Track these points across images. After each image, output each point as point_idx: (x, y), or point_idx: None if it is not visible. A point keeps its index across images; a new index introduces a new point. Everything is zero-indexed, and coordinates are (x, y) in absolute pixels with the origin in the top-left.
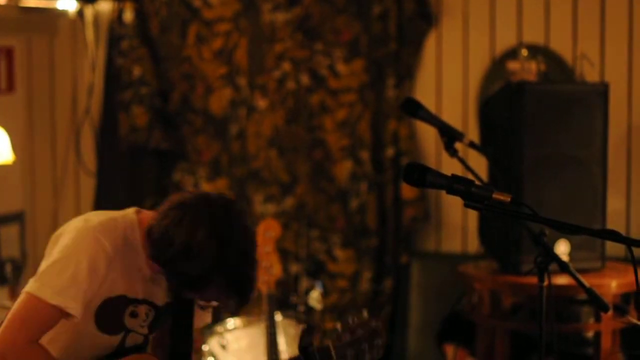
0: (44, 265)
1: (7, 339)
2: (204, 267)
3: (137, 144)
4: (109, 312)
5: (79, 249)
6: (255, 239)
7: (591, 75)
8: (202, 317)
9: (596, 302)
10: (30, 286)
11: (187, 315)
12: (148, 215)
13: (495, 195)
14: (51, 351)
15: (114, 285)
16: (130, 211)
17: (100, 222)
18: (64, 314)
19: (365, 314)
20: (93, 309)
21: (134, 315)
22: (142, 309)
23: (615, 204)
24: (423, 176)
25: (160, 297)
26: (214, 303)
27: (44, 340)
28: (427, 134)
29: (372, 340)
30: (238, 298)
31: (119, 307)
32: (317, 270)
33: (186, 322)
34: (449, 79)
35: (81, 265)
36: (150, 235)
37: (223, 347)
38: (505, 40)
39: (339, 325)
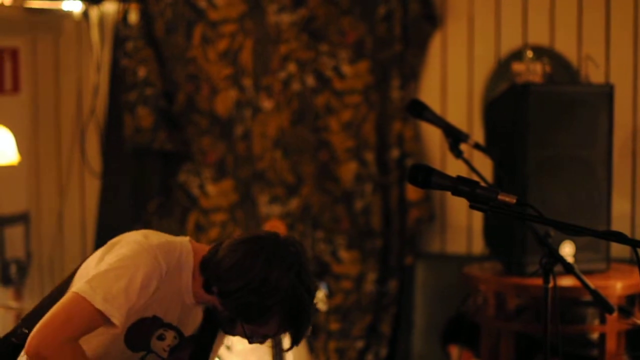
0: (96, 269)
1: (47, 334)
2: (278, 298)
3: (142, 144)
4: (140, 330)
5: (137, 262)
6: (313, 276)
7: (596, 76)
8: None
9: (601, 304)
10: (80, 287)
11: (207, 347)
12: (201, 246)
13: (501, 197)
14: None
15: (155, 306)
16: (186, 239)
17: (161, 243)
18: (106, 321)
19: None
20: (128, 323)
21: (161, 338)
22: (170, 334)
23: (620, 205)
24: (428, 177)
25: (190, 327)
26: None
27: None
28: (432, 135)
29: None
30: (294, 332)
31: (151, 327)
32: (322, 272)
33: (205, 354)
34: (454, 81)
35: (136, 279)
36: (213, 265)
37: (228, 347)
38: (510, 41)
39: None
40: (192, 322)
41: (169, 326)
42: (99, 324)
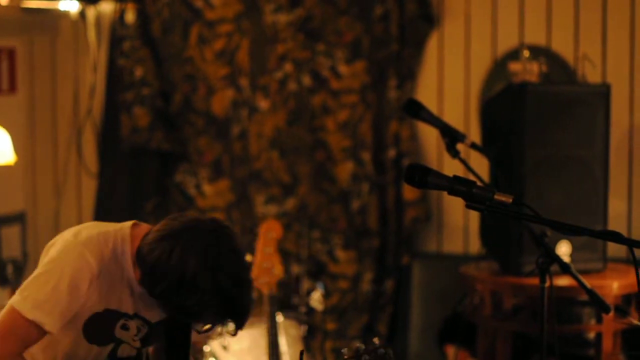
0: (30, 277)
1: None
2: (199, 298)
3: (139, 144)
4: (98, 326)
5: (63, 264)
6: (246, 262)
7: (593, 76)
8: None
9: (597, 304)
10: (14, 298)
11: (183, 334)
12: (143, 230)
13: (497, 196)
14: (48, 356)
15: (103, 301)
16: (127, 225)
17: (89, 237)
18: (41, 329)
19: (375, 339)
20: (80, 323)
21: (124, 328)
22: (133, 324)
23: (616, 204)
24: (424, 177)
25: (153, 314)
26: (209, 326)
27: (42, 345)
28: (429, 135)
29: None
30: (234, 322)
31: (109, 320)
32: (318, 271)
33: (182, 341)
34: (450, 80)
35: (63, 281)
36: (140, 263)
37: (224, 347)
38: (507, 41)
39: (345, 351)
40: (154, 308)
41: (128, 316)
42: (36, 333)
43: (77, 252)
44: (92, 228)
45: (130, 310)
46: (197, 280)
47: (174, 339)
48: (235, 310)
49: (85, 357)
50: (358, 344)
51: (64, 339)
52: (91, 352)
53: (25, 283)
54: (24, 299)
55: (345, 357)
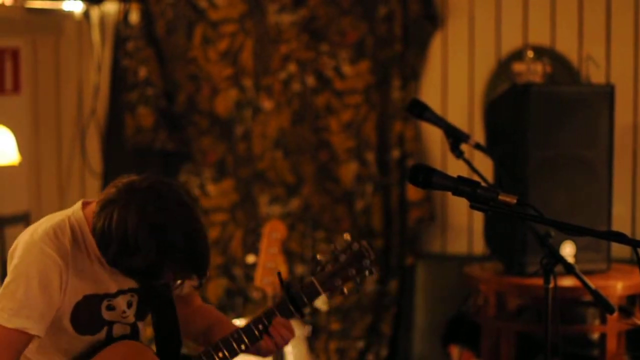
0: (0, 288)
1: None
2: (149, 258)
3: (143, 145)
4: (84, 315)
5: (27, 267)
6: (194, 210)
7: (597, 76)
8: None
9: (602, 304)
10: None
11: (167, 304)
12: (93, 206)
13: (501, 197)
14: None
15: (79, 289)
16: (77, 207)
17: (45, 232)
18: (27, 334)
19: (346, 236)
20: (66, 318)
21: (110, 308)
22: (120, 301)
23: (620, 205)
24: (429, 178)
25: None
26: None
27: (34, 348)
28: (433, 136)
29: (358, 262)
30: (195, 274)
31: (92, 306)
32: None
33: (168, 313)
34: (454, 81)
35: (32, 283)
36: (93, 236)
37: None
38: (511, 41)
39: (320, 256)
40: None
41: (110, 295)
42: (22, 340)
43: (37, 251)
44: (45, 222)
45: (110, 288)
46: (139, 241)
47: (159, 311)
48: (191, 263)
49: (83, 348)
50: (331, 246)
51: (55, 338)
52: (87, 343)
53: None
54: (1, 310)
55: (323, 262)
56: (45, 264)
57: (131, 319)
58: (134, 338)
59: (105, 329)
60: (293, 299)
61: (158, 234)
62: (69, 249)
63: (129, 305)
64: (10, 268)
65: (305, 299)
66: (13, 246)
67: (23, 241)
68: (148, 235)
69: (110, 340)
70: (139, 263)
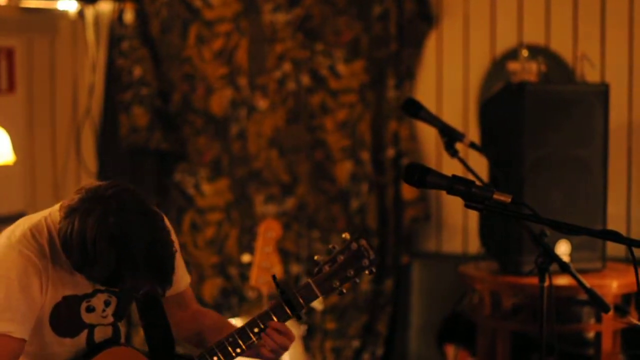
0: None
1: None
2: (108, 268)
3: (138, 144)
4: (64, 316)
5: (6, 270)
6: (156, 219)
7: (591, 75)
8: (180, 283)
9: (597, 303)
10: None
11: (155, 308)
12: None
13: (496, 196)
14: None
15: (58, 290)
16: (55, 208)
17: (23, 234)
18: (11, 338)
19: (345, 235)
20: (46, 319)
21: (90, 310)
22: (97, 301)
23: (615, 204)
24: (424, 177)
25: None
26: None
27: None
28: (428, 135)
29: (357, 263)
30: (156, 284)
31: (72, 307)
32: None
33: (157, 316)
34: (449, 80)
35: (12, 286)
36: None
37: None
38: (506, 40)
39: (318, 257)
40: None
41: (88, 295)
42: (12, 343)
43: (15, 254)
44: (23, 224)
45: (87, 288)
46: (97, 251)
47: (147, 315)
48: (151, 274)
49: (63, 353)
50: (331, 247)
51: (35, 342)
52: (67, 347)
53: None
54: None
55: (321, 263)
56: (23, 266)
57: (110, 318)
58: (116, 340)
59: (85, 332)
60: (289, 301)
61: (117, 245)
62: (47, 251)
63: (107, 304)
64: None
65: (302, 302)
66: None
67: (0, 245)
68: (107, 246)
69: (91, 344)
70: (99, 272)
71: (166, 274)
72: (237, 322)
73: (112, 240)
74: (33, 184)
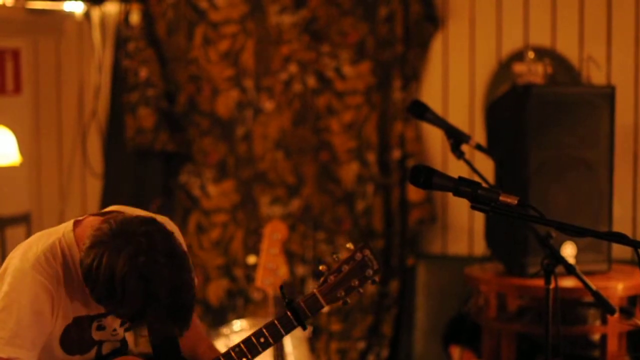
0: None
1: None
2: (132, 307)
3: (144, 145)
4: (74, 337)
5: (18, 295)
6: (184, 261)
7: (598, 77)
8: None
9: (602, 305)
10: None
11: (169, 338)
12: (85, 228)
13: (502, 198)
14: None
15: (69, 312)
16: (69, 228)
17: (37, 259)
18: None
19: (349, 245)
20: (56, 339)
21: (100, 328)
22: (109, 320)
23: (621, 206)
24: (429, 178)
25: None
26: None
27: None
28: (434, 136)
29: (361, 273)
30: (176, 326)
31: (82, 327)
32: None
33: (170, 346)
34: (455, 81)
35: (24, 312)
36: (80, 269)
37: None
38: (512, 42)
39: (322, 267)
40: None
41: (100, 315)
42: None
43: (29, 279)
44: (37, 244)
45: (100, 308)
46: (125, 290)
47: (160, 346)
48: (173, 316)
49: None
50: (334, 256)
51: (44, 358)
52: None
53: None
54: None
55: (326, 273)
56: (36, 292)
57: (120, 336)
58: (124, 352)
59: (94, 348)
60: (295, 311)
61: (145, 286)
62: (61, 274)
63: (122, 323)
64: (1, 291)
65: (308, 312)
66: (3, 266)
67: (13, 266)
68: (135, 285)
69: (100, 357)
70: (125, 310)
71: (187, 318)
72: (242, 323)
73: (140, 281)
74: (39, 185)
